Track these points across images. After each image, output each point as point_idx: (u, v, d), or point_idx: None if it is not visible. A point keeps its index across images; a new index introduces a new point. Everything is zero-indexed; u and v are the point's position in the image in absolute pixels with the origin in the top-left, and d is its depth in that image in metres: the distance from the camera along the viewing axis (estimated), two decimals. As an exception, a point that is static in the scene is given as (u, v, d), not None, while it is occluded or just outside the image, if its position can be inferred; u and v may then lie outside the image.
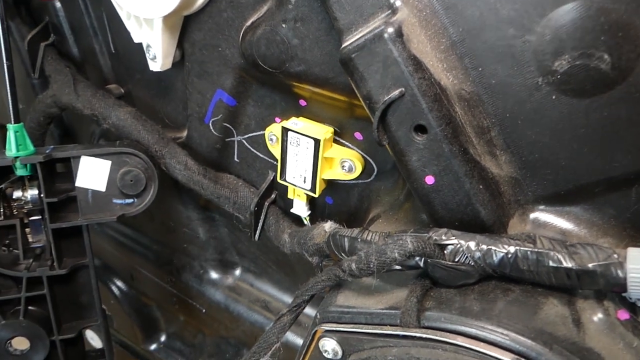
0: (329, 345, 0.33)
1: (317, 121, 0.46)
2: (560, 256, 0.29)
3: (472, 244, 0.30)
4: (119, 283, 0.76)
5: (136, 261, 0.73)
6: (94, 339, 0.69)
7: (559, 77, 0.31)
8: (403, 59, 0.31)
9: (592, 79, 0.30)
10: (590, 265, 0.29)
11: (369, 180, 0.47)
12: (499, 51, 0.32)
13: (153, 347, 0.76)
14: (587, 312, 0.30)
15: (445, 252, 0.31)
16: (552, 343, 0.27)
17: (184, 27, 0.49)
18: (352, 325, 0.33)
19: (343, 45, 0.33)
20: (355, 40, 0.33)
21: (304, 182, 0.47)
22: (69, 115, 0.71)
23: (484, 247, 0.30)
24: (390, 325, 0.31)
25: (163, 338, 0.76)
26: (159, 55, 0.50)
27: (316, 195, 0.47)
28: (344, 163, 0.45)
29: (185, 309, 0.70)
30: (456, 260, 0.30)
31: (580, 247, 0.29)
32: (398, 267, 0.32)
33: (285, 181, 0.48)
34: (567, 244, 0.30)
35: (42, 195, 0.51)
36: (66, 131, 0.72)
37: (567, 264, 0.29)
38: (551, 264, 0.29)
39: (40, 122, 0.63)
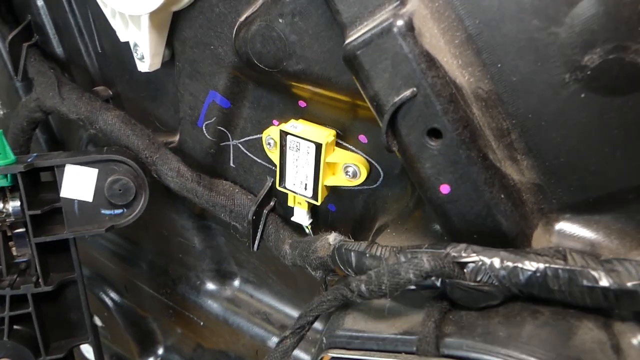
0: (337, 373, 0.30)
1: (318, 124, 0.43)
2: (595, 274, 0.26)
3: (496, 262, 0.27)
4: (113, 295, 0.73)
5: (130, 272, 0.70)
6: (89, 352, 0.66)
7: (589, 73, 0.27)
8: (414, 55, 0.28)
9: (627, 75, 0.27)
10: (629, 284, 0.25)
11: (374, 186, 0.43)
12: (520, 45, 0.28)
13: (150, 360, 0.73)
14: (627, 335, 0.26)
15: (465, 270, 0.28)
16: (590, 374, 0.24)
17: (173, 24, 0.46)
18: (362, 352, 0.29)
19: (347, 42, 0.30)
20: (361, 36, 0.29)
21: (305, 189, 0.44)
22: (56, 120, 0.68)
23: (510, 264, 0.27)
24: (406, 352, 0.28)
25: (160, 351, 0.73)
26: (147, 54, 0.47)
27: (318, 203, 0.44)
28: (348, 168, 0.42)
29: (182, 321, 0.66)
30: (478, 279, 0.27)
31: (617, 263, 0.26)
32: (412, 287, 0.29)
33: (285, 188, 0.45)
34: (602, 260, 0.27)
35: (24, 207, 0.48)
36: (53, 137, 0.69)
37: (604, 282, 0.26)
38: (585, 283, 0.26)
39: (24, 128, 0.59)
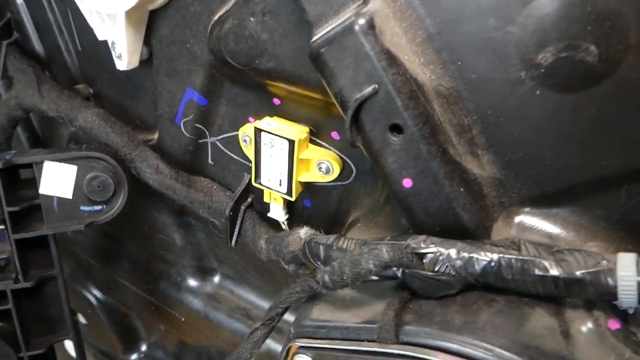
0: (304, 361, 0.31)
1: (292, 121, 0.44)
2: (546, 264, 0.27)
3: (452, 252, 0.28)
4: (96, 292, 0.73)
5: (113, 269, 0.70)
6: (72, 349, 0.66)
7: (543, 70, 0.28)
8: (375, 52, 0.29)
9: (579, 73, 0.28)
10: (578, 273, 0.26)
11: (347, 182, 0.44)
12: (479, 44, 0.30)
13: (134, 357, 0.73)
14: (576, 322, 0.28)
15: (424, 261, 0.29)
16: (540, 358, 0.25)
17: (150, 22, 0.46)
18: (327, 341, 0.30)
19: (312, 39, 0.31)
20: (325, 34, 0.30)
21: (280, 185, 0.45)
22: (38, 118, 0.68)
23: (465, 255, 0.28)
24: (368, 340, 0.29)
25: (144, 347, 0.73)
26: (124, 53, 0.47)
27: (292, 199, 0.45)
28: (321, 164, 0.43)
29: (164, 317, 0.67)
30: (436, 269, 0.28)
31: (567, 253, 0.27)
32: (375, 278, 0.30)
33: (261, 184, 0.46)
34: (553, 250, 0.28)
35: (2, 204, 0.48)
36: (35, 135, 0.69)
37: (554, 272, 0.27)
38: (537, 272, 0.27)
39: (4, 126, 0.59)
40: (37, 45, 0.61)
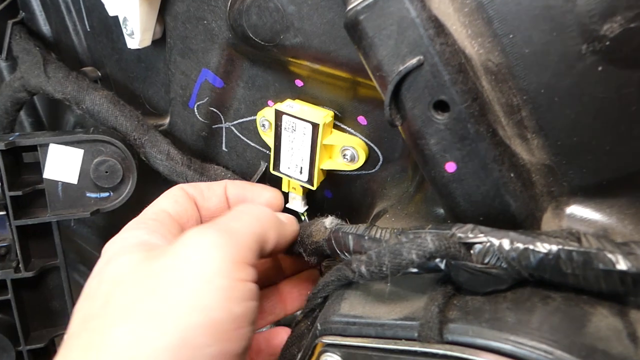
0: (332, 361, 0.28)
1: (315, 104, 0.41)
2: (612, 257, 0.24)
3: (505, 243, 0.25)
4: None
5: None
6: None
7: (607, 43, 0.26)
8: (422, 20, 0.26)
9: (649, 46, 0.25)
10: (649, 268, 0.24)
11: (373, 170, 0.41)
12: (534, 13, 0.27)
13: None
14: (643, 324, 0.25)
15: (472, 252, 0.26)
16: (607, 363, 0.22)
17: (165, -3, 0.44)
18: (359, 339, 0.27)
19: (349, 7, 0.28)
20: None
21: (300, 173, 0.42)
22: (42, 102, 0.65)
23: (520, 246, 0.25)
24: (406, 339, 0.26)
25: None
26: (136, 30, 0.45)
27: (314, 188, 0.42)
28: (346, 151, 0.40)
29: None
30: (486, 262, 0.25)
31: (635, 246, 0.24)
32: (414, 270, 0.27)
33: (280, 172, 0.43)
34: (618, 243, 0.25)
35: (4, 187, 0.46)
36: (39, 120, 0.66)
37: (621, 266, 0.24)
38: (601, 266, 0.24)
39: (8, 109, 0.56)
40: (44, 25, 0.58)
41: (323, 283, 0.30)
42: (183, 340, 0.23)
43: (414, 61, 0.27)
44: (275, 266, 0.41)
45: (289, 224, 0.34)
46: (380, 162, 0.41)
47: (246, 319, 0.25)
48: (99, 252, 0.30)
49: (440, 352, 0.25)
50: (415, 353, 0.25)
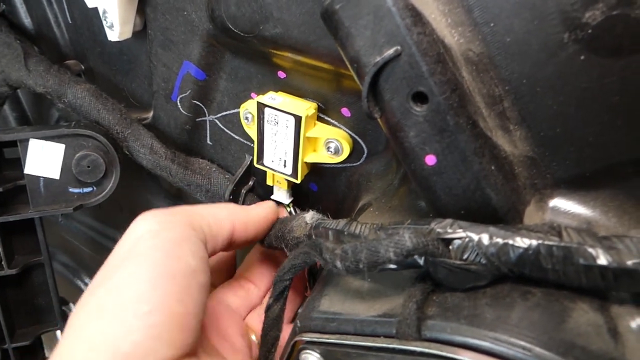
0: (311, 359, 0.28)
1: (299, 96, 0.40)
2: (593, 252, 0.23)
3: (484, 238, 0.25)
4: (89, 281, 0.70)
5: (106, 256, 0.67)
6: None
7: (590, 31, 0.25)
8: (399, 9, 0.25)
9: (632, 33, 0.24)
10: (630, 262, 0.23)
11: (358, 163, 0.41)
12: (515, 1, 0.26)
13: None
14: (625, 318, 0.24)
15: (451, 248, 0.25)
16: (586, 359, 0.22)
17: (144, -12, 0.43)
18: (338, 336, 0.27)
19: (325, -4, 0.27)
20: (340, -11, 0.26)
21: (284, 166, 0.41)
22: (27, 97, 0.64)
23: (499, 241, 0.24)
24: (385, 336, 0.25)
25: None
26: (116, 22, 0.44)
27: (298, 181, 0.41)
28: (330, 144, 0.39)
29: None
30: (465, 258, 0.25)
31: (617, 240, 0.24)
32: (393, 267, 0.26)
33: (263, 165, 0.42)
34: (600, 237, 0.24)
35: (-16, 184, 0.45)
36: (24, 114, 0.65)
37: (602, 261, 0.23)
38: (582, 261, 0.24)
39: (-10, 103, 0.56)
40: (25, 18, 0.57)
41: (289, 265, 0.30)
42: None
43: (391, 52, 0.26)
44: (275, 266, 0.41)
45: (252, 208, 0.37)
46: (365, 155, 0.40)
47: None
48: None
49: (418, 349, 0.24)
50: (392, 350, 0.25)
